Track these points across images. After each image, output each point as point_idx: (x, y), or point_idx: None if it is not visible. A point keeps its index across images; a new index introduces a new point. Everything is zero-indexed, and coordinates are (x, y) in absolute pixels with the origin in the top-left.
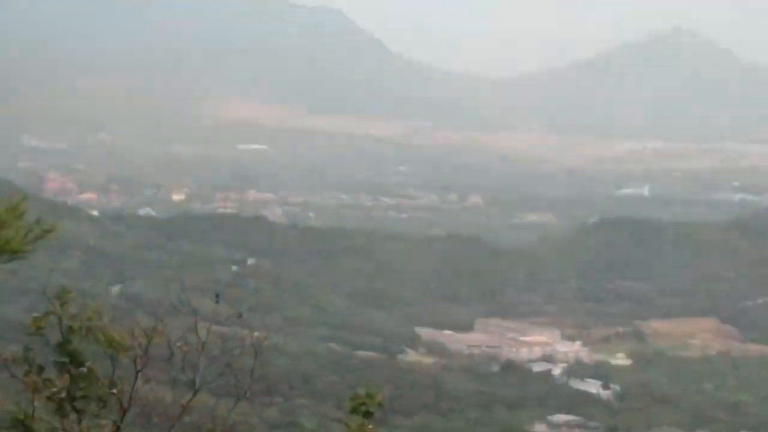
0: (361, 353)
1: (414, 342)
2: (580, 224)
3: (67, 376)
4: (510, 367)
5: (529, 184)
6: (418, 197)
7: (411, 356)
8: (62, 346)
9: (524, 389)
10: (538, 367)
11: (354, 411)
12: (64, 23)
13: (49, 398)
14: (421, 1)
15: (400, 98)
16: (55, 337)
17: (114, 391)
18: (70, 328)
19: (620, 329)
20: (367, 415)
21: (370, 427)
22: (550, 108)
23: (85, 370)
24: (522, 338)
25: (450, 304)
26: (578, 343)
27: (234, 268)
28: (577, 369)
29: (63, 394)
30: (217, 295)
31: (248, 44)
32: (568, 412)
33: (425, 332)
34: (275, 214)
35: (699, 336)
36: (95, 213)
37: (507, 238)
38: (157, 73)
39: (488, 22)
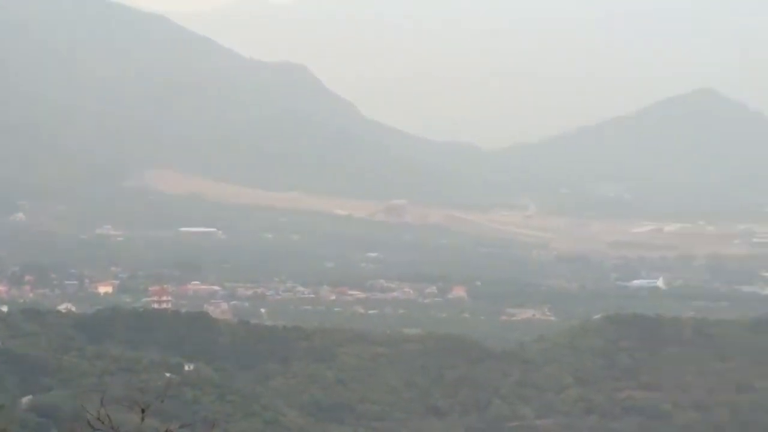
0: None
1: None
2: (582, 322)
3: None
4: None
5: (523, 275)
6: (391, 290)
7: None
8: None
9: None
10: None
11: None
12: None
13: None
14: (406, 60)
15: (371, 170)
16: None
17: None
18: None
19: None
20: None
21: None
22: (550, 183)
23: None
24: None
25: (426, 418)
26: None
27: (168, 375)
28: None
29: None
30: (143, 410)
31: (194, 106)
32: None
33: None
34: (221, 309)
35: None
36: (4, 308)
37: (495, 339)
38: (82, 139)
39: (479, 86)
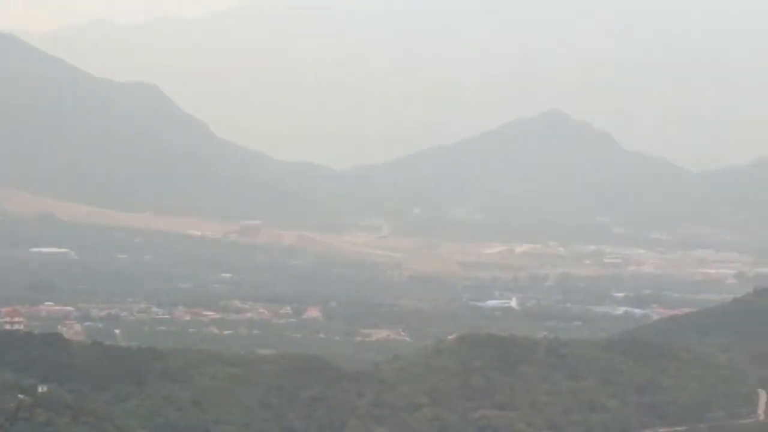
0: None
1: None
2: (436, 342)
3: None
4: None
5: (377, 295)
6: (246, 310)
7: None
8: None
9: None
10: None
11: None
12: None
13: None
14: (252, 80)
15: (225, 191)
16: None
17: None
18: None
19: None
20: None
21: None
22: (402, 204)
23: None
24: None
25: None
26: None
27: (21, 396)
28: None
29: None
30: None
31: (45, 126)
32: None
33: None
34: (74, 330)
35: None
36: None
37: (350, 359)
38: None
39: (331, 107)
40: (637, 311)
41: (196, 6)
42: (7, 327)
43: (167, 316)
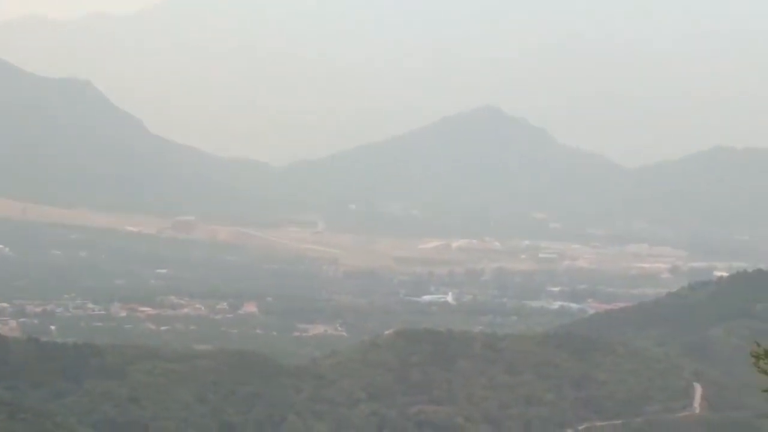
0: None
1: None
2: (373, 337)
3: None
4: None
5: (314, 290)
6: (182, 306)
7: None
8: None
9: None
10: None
11: None
12: None
13: None
14: (187, 76)
15: (159, 186)
16: None
17: None
18: None
19: None
20: None
21: None
22: (338, 200)
23: None
24: None
25: None
26: None
27: None
28: None
29: None
30: None
31: None
32: None
33: None
34: (9, 327)
35: None
36: None
37: (287, 355)
38: None
39: (265, 103)
40: (573, 306)
41: (130, 3)
42: None
43: (103, 312)
